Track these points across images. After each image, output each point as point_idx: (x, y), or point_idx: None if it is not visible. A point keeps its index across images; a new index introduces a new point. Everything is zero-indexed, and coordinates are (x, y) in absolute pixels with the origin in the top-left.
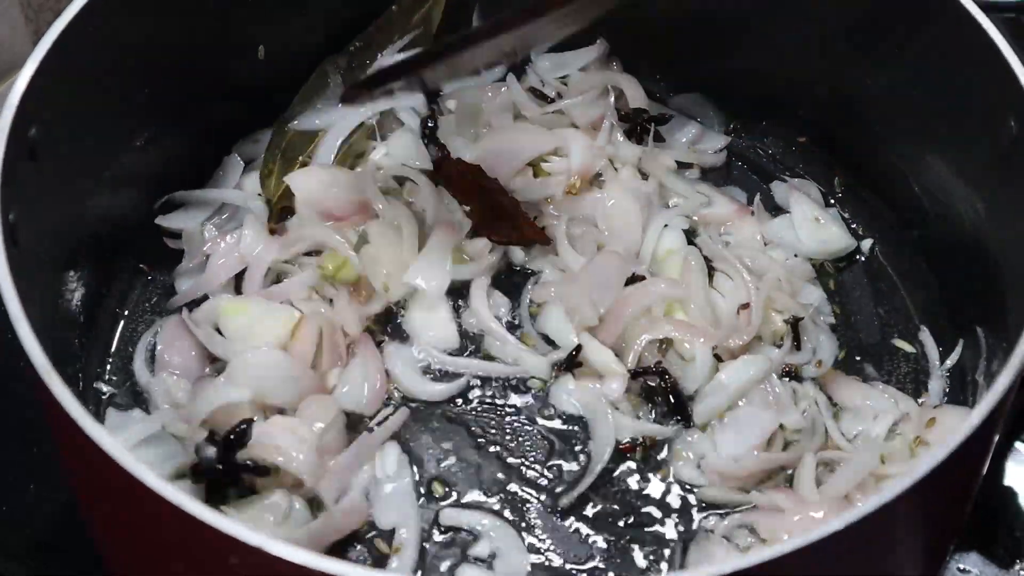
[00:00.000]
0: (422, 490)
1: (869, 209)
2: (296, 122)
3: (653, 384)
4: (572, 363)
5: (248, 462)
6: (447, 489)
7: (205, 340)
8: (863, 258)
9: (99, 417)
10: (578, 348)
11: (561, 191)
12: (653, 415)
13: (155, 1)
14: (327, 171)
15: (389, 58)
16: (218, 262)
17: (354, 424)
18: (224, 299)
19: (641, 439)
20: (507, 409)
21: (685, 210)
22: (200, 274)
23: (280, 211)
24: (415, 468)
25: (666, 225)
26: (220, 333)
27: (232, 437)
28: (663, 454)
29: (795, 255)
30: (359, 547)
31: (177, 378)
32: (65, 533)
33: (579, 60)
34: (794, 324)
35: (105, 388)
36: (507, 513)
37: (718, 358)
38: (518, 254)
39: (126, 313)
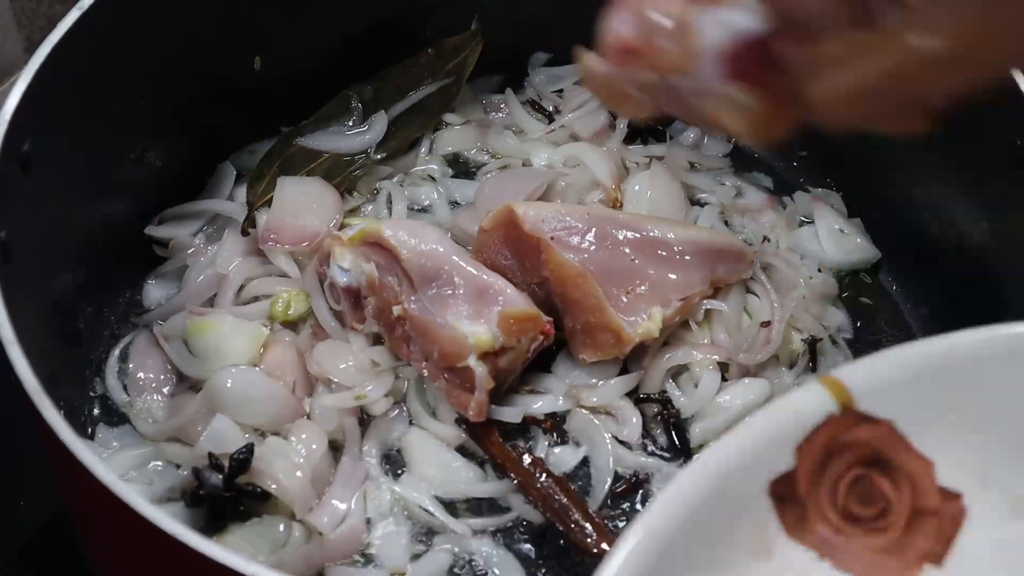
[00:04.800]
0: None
1: (872, 227)
2: (304, 138)
3: (655, 410)
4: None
5: (249, 486)
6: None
7: (175, 358)
8: (867, 276)
9: (91, 433)
10: None
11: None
12: (653, 446)
13: (150, 13)
14: (317, 187)
15: (415, 98)
16: (196, 279)
17: (335, 448)
18: (191, 317)
19: (635, 473)
20: None
21: (718, 201)
22: (176, 288)
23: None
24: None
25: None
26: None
27: (234, 463)
28: (660, 484)
29: (819, 269)
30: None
31: (154, 396)
32: (56, 546)
33: (574, 74)
34: (812, 344)
35: (95, 403)
36: (505, 538)
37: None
38: None
39: (117, 326)
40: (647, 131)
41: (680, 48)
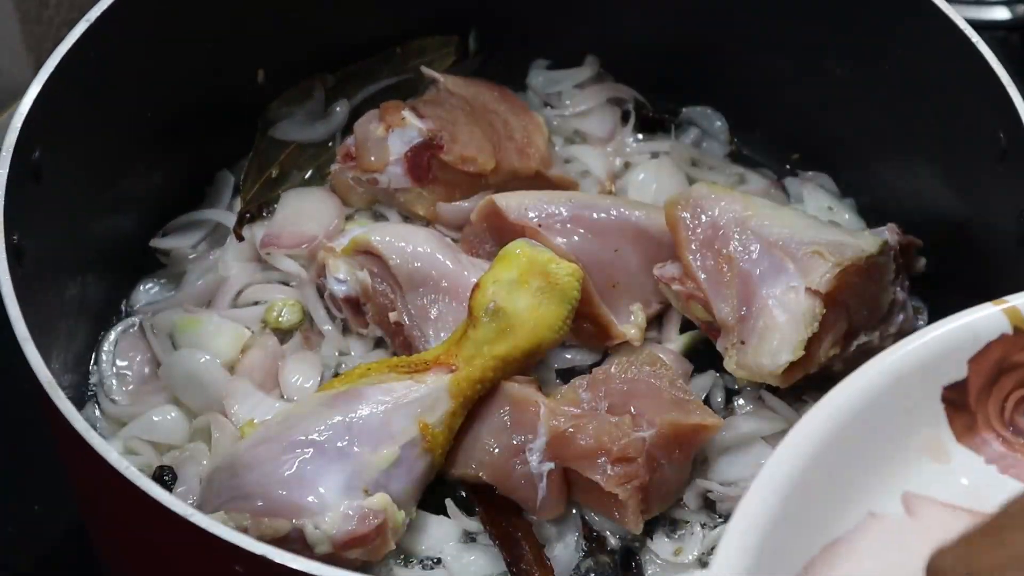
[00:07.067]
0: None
1: (862, 224)
2: (275, 129)
3: None
4: None
5: None
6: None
7: (158, 350)
8: None
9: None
10: None
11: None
12: None
13: (157, 26)
14: (318, 195)
15: (374, 88)
16: (195, 282)
17: None
18: (180, 314)
19: None
20: None
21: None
22: (173, 288)
23: (249, 218)
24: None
25: None
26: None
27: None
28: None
29: None
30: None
31: (131, 385)
32: (71, 552)
33: (572, 78)
34: None
35: (93, 402)
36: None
37: None
38: None
39: (120, 330)
40: (655, 122)
41: (378, 157)
